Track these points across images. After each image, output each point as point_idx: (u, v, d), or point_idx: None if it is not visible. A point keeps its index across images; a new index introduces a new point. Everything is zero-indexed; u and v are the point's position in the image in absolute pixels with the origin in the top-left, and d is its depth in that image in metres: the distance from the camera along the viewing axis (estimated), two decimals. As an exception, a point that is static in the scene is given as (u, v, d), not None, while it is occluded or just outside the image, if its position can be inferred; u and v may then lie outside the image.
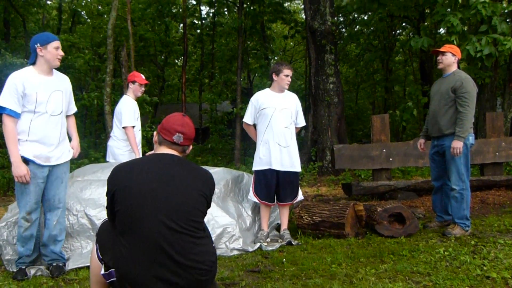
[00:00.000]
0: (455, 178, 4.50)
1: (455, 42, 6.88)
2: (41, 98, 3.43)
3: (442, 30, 7.40)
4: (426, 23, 10.05)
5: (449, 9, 7.54)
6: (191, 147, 2.48)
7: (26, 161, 3.39)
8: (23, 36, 18.69)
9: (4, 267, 3.71)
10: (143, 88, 5.15)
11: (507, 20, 8.59)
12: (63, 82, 3.67)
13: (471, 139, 4.53)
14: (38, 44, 3.44)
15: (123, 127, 4.87)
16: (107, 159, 5.11)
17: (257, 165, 4.57)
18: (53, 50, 3.47)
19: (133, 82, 5.03)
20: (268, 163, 4.49)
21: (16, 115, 3.37)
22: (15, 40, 19.72)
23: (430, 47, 7.93)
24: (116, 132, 4.99)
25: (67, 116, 3.78)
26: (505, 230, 4.59)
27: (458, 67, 4.79)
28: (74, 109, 3.86)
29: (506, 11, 7.62)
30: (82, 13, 20.52)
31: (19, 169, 3.34)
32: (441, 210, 4.89)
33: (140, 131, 5.18)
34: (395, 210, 4.55)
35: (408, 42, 9.55)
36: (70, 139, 3.84)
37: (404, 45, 13.30)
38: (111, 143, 5.06)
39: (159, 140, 2.41)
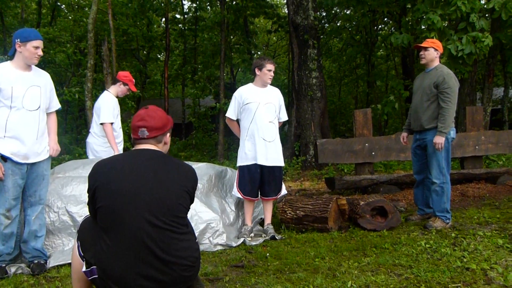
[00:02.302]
0: (436, 171, 4.57)
1: (435, 38, 6.95)
2: (17, 92, 3.36)
3: (423, 26, 7.44)
4: (407, 18, 10.15)
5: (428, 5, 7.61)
6: (168, 135, 2.44)
7: (3, 158, 3.33)
8: (1, 30, 18.27)
9: (-17, 266, 3.64)
10: (129, 93, 5.10)
11: (486, 15, 8.71)
12: (42, 78, 3.60)
13: (452, 133, 4.59)
14: (18, 40, 3.38)
15: (101, 123, 4.78)
16: (88, 156, 5.04)
17: (242, 161, 4.55)
18: (31, 49, 3.41)
19: (125, 84, 4.93)
20: (254, 158, 4.49)
21: None
22: (-8, 34, 19.26)
23: (412, 43, 8.01)
24: (95, 128, 4.90)
25: (48, 113, 3.71)
26: (485, 222, 4.68)
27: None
28: (56, 106, 3.78)
29: (485, 7, 7.71)
30: (62, 6, 20.13)
31: None
32: (422, 203, 4.96)
33: (121, 129, 5.10)
34: (378, 204, 4.60)
35: (389, 37, 9.62)
36: None
37: (386, 40, 13.42)
38: (90, 139, 4.97)
39: (132, 139, 2.40)
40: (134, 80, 5.12)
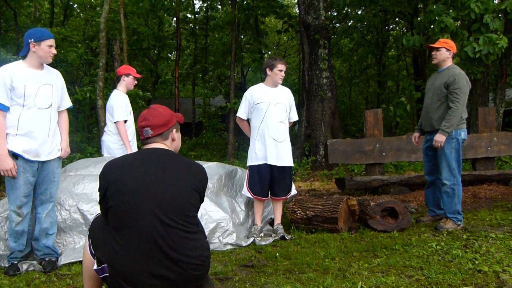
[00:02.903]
0: (447, 173, 4.53)
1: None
2: (29, 91, 3.40)
3: (436, 29, 7.35)
4: (419, 18, 10.06)
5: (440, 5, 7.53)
6: (174, 131, 2.44)
7: (15, 156, 3.37)
8: (14, 30, 18.48)
9: (-4, 262, 3.69)
10: (136, 82, 5.13)
11: (499, 16, 8.60)
12: (54, 77, 3.64)
13: (463, 134, 4.55)
14: (32, 40, 3.41)
15: (115, 122, 4.85)
16: (103, 154, 5.12)
17: (252, 160, 4.56)
18: (46, 48, 3.45)
19: (127, 75, 4.99)
20: (264, 158, 4.49)
21: (4, 108, 3.35)
22: (6, 34, 19.49)
23: (424, 45, 7.94)
24: (109, 127, 4.97)
25: (60, 112, 3.74)
26: (497, 224, 4.63)
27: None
28: (67, 104, 3.81)
29: (496, 9, 7.60)
30: (74, 6, 20.31)
31: (5, 163, 3.32)
32: (433, 204, 4.92)
33: (134, 125, 5.15)
34: (388, 205, 4.58)
35: (401, 38, 9.55)
36: None
37: (398, 40, 13.33)
38: (105, 137, 5.05)
39: (141, 141, 2.43)
40: (133, 68, 5.17)
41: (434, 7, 7.45)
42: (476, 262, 3.38)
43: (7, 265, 3.51)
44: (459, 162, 4.56)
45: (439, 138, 4.44)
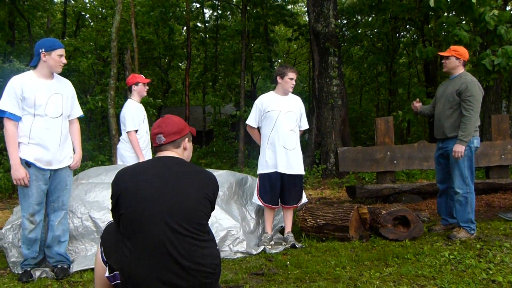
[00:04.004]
0: (459, 181, 4.48)
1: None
2: (40, 100, 3.45)
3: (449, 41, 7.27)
4: (430, 25, 10.02)
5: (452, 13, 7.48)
6: (186, 140, 2.47)
7: (28, 164, 3.41)
8: (28, 40, 18.78)
9: (10, 269, 3.73)
10: (147, 87, 5.18)
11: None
12: (64, 86, 3.69)
13: (476, 142, 4.50)
14: (43, 50, 3.46)
15: (127, 132, 4.91)
16: (118, 161, 5.21)
17: (263, 169, 4.56)
18: (56, 57, 3.50)
19: (136, 84, 5.05)
20: (274, 166, 4.49)
21: (16, 118, 3.40)
22: (20, 44, 19.84)
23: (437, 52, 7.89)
24: (123, 135, 5.05)
25: (71, 121, 3.78)
26: (511, 233, 4.56)
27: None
28: (78, 113, 3.85)
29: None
30: (86, 16, 20.61)
31: (17, 172, 3.37)
32: (446, 213, 4.87)
33: (148, 133, 5.20)
34: (400, 213, 4.54)
35: (415, 47, 9.48)
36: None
37: (408, 47, 13.28)
38: (119, 145, 5.14)
39: (153, 149, 2.46)
40: (140, 75, 5.23)
41: (446, 18, 7.39)
42: (490, 272, 3.33)
43: (20, 272, 3.54)
44: (472, 170, 4.51)
45: (458, 148, 4.39)
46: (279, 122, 4.49)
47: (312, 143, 11.23)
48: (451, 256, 3.76)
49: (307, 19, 12.98)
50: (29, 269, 3.54)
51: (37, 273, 3.54)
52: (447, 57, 4.63)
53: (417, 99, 5.17)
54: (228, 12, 19.24)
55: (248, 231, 4.53)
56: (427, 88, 13.63)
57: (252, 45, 19.24)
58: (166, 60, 22.87)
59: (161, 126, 2.42)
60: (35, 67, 3.54)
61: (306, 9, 15.51)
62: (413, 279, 3.26)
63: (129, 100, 5.10)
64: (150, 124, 5.30)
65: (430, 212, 5.76)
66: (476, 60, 7.05)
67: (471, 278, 3.21)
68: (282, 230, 4.79)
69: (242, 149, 14.48)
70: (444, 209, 4.89)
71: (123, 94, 14.13)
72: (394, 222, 4.54)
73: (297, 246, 4.37)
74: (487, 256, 3.73)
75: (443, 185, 4.84)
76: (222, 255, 3.91)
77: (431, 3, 6.34)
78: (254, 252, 4.16)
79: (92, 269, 3.25)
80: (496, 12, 6.40)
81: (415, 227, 4.46)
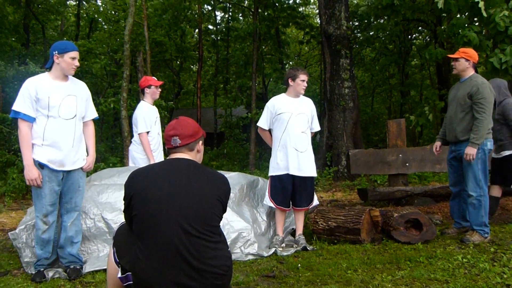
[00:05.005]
0: (472, 184, 4.43)
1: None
2: (54, 102, 3.49)
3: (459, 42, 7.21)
4: (442, 27, 9.94)
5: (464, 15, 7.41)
6: (200, 143, 2.50)
7: (41, 165, 3.45)
8: (42, 42, 19.02)
9: (23, 269, 3.78)
10: (160, 89, 5.22)
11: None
12: (78, 87, 3.73)
13: (490, 144, 4.45)
14: (56, 52, 3.52)
15: (138, 134, 4.95)
16: (129, 163, 5.24)
17: (274, 171, 4.55)
18: (69, 60, 3.54)
19: (149, 86, 5.08)
20: (286, 168, 4.48)
21: (30, 119, 3.44)
22: (34, 46, 20.09)
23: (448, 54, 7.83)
24: (135, 137, 5.09)
25: (85, 123, 3.82)
26: (525, 237, 4.50)
27: (476, 71, 4.72)
28: (93, 115, 3.88)
29: None
30: (99, 19, 20.82)
31: (30, 173, 3.41)
32: (459, 216, 4.82)
33: (160, 135, 5.23)
34: (412, 216, 4.50)
35: (426, 48, 9.41)
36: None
37: (421, 50, 13.19)
38: (131, 147, 5.18)
39: (166, 150, 2.47)
40: (152, 77, 5.26)
41: (457, 20, 7.34)
42: (505, 276, 3.29)
43: (33, 272, 3.58)
44: (486, 173, 4.46)
45: (470, 151, 4.34)
46: (291, 124, 4.48)
47: (323, 145, 11.20)
48: (464, 260, 3.72)
49: (319, 21, 12.96)
50: (42, 269, 3.58)
51: (50, 274, 3.57)
52: (456, 59, 4.59)
53: (436, 147, 5.00)
54: (240, 14, 19.28)
55: (259, 233, 4.53)
56: (439, 90, 13.50)
57: (264, 47, 19.26)
58: (178, 62, 22.99)
59: (176, 128, 2.43)
60: (49, 69, 3.59)
61: (317, 11, 15.49)
62: (425, 282, 3.23)
63: (141, 102, 5.14)
64: (163, 126, 5.33)
65: (443, 215, 5.70)
66: (485, 59, 6.97)
67: (485, 282, 3.17)
68: (293, 233, 4.78)
69: (253, 151, 14.48)
70: (457, 212, 4.84)
71: (135, 96, 14.23)
72: (406, 225, 4.50)
73: (308, 248, 4.35)
74: (501, 260, 3.69)
75: (456, 188, 4.79)
76: (233, 257, 3.91)
77: (440, 5, 6.30)
78: (265, 254, 4.16)
79: (105, 270, 3.27)
80: (506, 13, 6.33)
81: (427, 230, 4.43)
